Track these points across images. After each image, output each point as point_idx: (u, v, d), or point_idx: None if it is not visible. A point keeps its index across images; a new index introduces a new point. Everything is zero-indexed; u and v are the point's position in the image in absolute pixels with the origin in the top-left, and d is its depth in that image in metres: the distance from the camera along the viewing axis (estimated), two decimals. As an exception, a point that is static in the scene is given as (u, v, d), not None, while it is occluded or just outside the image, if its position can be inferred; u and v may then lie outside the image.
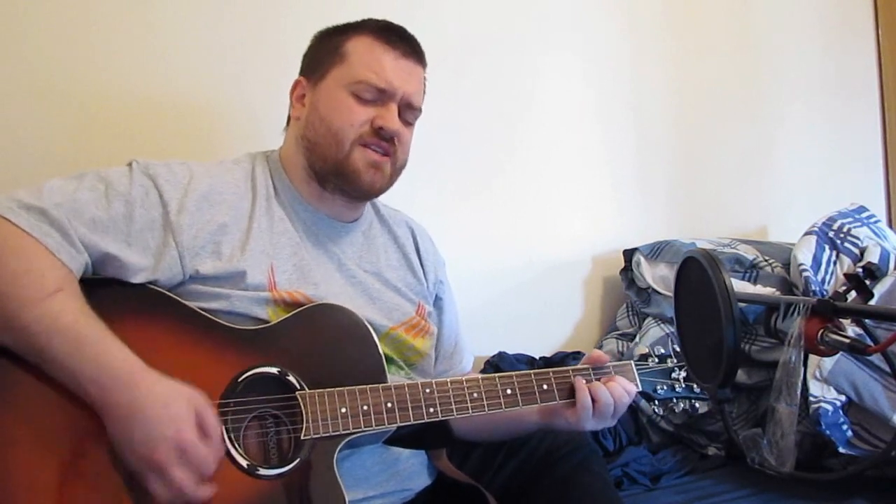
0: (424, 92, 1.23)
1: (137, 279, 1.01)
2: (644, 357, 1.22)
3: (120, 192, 1.03)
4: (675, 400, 1.21)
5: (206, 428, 0.91)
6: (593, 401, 1.10)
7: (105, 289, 0.98)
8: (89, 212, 0.99)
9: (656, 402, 1.21)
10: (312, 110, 1.16)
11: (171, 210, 1.04)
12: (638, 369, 1.19)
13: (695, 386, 1.21)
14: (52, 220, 0.96)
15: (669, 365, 1.22)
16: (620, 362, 1.18)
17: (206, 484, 0.90)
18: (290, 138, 1.21)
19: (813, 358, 1.53)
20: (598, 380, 1.13)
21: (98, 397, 0.89)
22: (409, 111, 1.18)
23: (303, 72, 1.22)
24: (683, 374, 1.21)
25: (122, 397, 0.89)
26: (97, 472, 0.90)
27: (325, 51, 1.18)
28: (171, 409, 0.89)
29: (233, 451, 0.96)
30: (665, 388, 1.20)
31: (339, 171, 1.14)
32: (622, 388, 1.11)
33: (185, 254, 1.03)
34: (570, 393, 1.12)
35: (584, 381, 1.12)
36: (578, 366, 1.16)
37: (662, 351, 1.24)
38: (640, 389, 1.17)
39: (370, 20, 1.20)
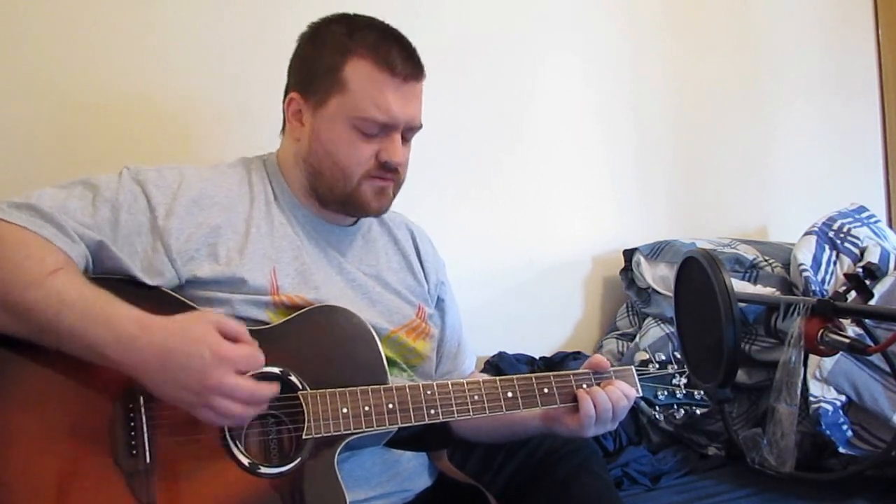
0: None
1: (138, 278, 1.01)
2: (645, 363, 1.22)
3: (107, 198, 1.03)
4: (675, 406, 1.21)
5: (231, 333, 0.93)
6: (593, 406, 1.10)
7: (107, 289, 0.98)
8: (77, 218, 1.00)
9: (657, 407, 1.21)
10: (314, 138, 1.13)
11: (159, 214, 1.04)
12: (639, 374, 1.18)
13: (696, 392, 1.21)
14: (44, 215, 0.97)
15: (670, 371, 1.21)
16: (621, 367, 1.18)
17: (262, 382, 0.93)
18: (289, 151, 1.18)
19: (813, 358, 1.53)
20: (598, 384, 1.13)
21: (121, 358, 0.90)
22: (410, 132, 1.16)
23: (297, 86, 1.15)
24: (684, 380, 1.21)
25: (144, 346, 0.89)
26: (98, 470, 0.91)
27: (322, 70, 1.12)
28: (193, 334, 0.90)
29: (234, 450, 0.96)
30: (665, 393, 1.20)
31: (346, 201, 1.14)
32: (620, 392, 1.11)
33: (176, 258, 1.03)
34: (572, 397, 1.11)
35: (586, 389, 1.11)
36: (579, 371, 1.15)
37: (663, 357, 1.23)
38: (641, 395, 1.17)
39: (364, 32, 1.12)
